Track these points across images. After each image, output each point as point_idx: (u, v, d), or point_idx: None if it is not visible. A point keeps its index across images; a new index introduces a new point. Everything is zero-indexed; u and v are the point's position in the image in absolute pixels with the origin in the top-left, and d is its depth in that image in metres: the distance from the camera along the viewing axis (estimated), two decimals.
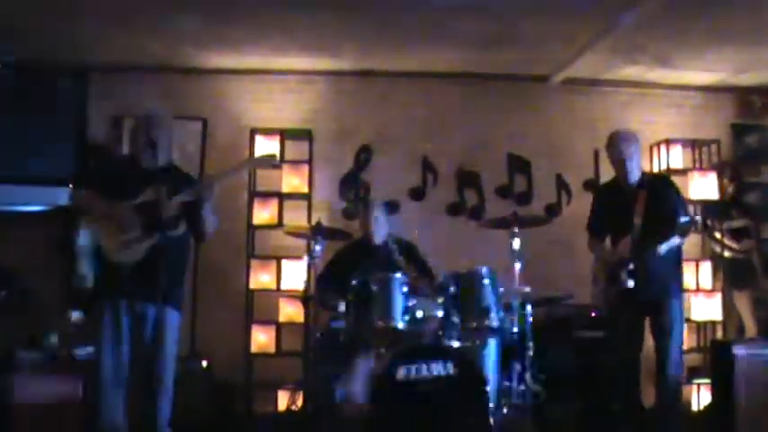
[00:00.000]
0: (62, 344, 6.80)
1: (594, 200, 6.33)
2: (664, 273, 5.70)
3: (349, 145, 8.33)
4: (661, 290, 5.71)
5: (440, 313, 5.65)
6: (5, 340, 6.84)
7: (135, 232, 4.79)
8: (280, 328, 7.82)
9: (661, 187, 5.90)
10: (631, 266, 5.59)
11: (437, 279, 6.12)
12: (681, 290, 5.98)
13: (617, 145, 5.87)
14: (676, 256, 5.85)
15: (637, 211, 5.66)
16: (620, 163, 5.85)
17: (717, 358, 6.50)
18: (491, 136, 8.44)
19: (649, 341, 5.91)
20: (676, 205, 5.75)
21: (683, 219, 5.46)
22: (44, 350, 6.73)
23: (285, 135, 8.11)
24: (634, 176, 5.83)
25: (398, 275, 5.70)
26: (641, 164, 5.97)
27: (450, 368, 5.21)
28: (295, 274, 7.70)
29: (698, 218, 6.27)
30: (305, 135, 8.17)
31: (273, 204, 8.01)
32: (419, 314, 5.64)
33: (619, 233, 5.83)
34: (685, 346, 7.61)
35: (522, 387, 5.84)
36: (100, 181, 5.03)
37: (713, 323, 8.12)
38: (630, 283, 5.59)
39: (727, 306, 7.97)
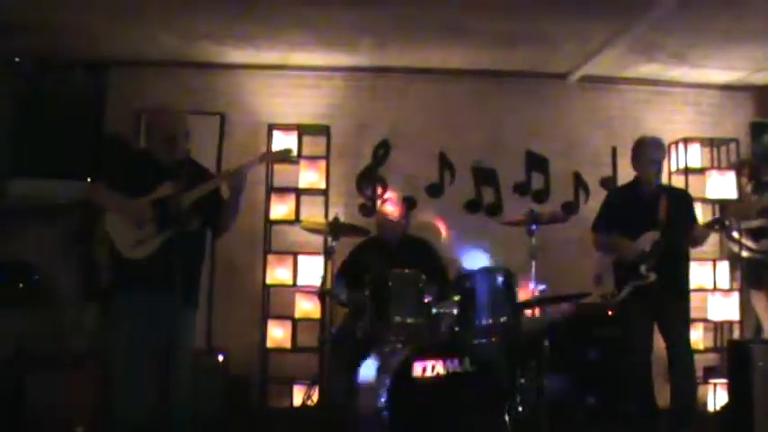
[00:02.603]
0: (79, 336, 6.83)
1: (608, 200, 6.44)
2: (676, 274, 5.85)
3: (366, 141, 8.34)
4: (673, 291, 5.84)
5: (456, 310, 5.65)
6: (22, 333, 6.88)
7: (149, 229, 4.82)
8: (296, 323, 7.83)
9: (683, 199, 6.26)
10: (652, 261, 5.71)
11: (449, 283, 6.10)
12: (689, 290, 6.13)
13: (655, 150, 6.14)
14: (686, 258, 6.00)
15: (661, 211, 5.79)
16: (651, 168, 6.05)
17: (734, 358, 6.46)
18: (508, 133, 8.43)
19: (659, 342, 5.96)
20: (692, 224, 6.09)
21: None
22: (61, 343, 6.76)
23: (302, 130, 8.12)
24: (659, 182, 6.09)
25: (415, 272, 5.68)
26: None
27: (467, 365, 5.21)
28: (312, 270, 7.72)
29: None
30: (322, 130, 8.17)
31: (290, 200, 8.01)
32: (435, 311, 5.65)
33: (635, 234, 5.92)
34: (702, 346, 7.65)
35: (538, 385, 5.83)
36: (117, 176, 5.05)
37: (730, 323, 8.09)
38: (653, 276, 5.70)
39: (745, 306, 7.92)
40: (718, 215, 6.01)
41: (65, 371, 6.47)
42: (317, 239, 7.52)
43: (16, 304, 7.13)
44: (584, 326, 7.19)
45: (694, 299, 6.64)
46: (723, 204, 7.02)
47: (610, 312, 7.08)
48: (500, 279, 5.65)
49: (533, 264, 5.95)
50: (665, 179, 7.10)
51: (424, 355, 5.20)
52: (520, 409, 5.72)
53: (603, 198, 6.69)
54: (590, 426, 5.86)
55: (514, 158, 8.39)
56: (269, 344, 7.80)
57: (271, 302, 7.88)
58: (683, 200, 6.24)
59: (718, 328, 8.14)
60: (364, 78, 8.46)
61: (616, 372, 6.92)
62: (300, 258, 7.90)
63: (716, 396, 7.72)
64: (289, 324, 7.84)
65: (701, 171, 8.22)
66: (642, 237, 5.90)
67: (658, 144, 6.19)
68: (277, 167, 7.93)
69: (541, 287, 5.97)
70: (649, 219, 5.90)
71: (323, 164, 8.10)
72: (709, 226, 6.06)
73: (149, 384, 4.92)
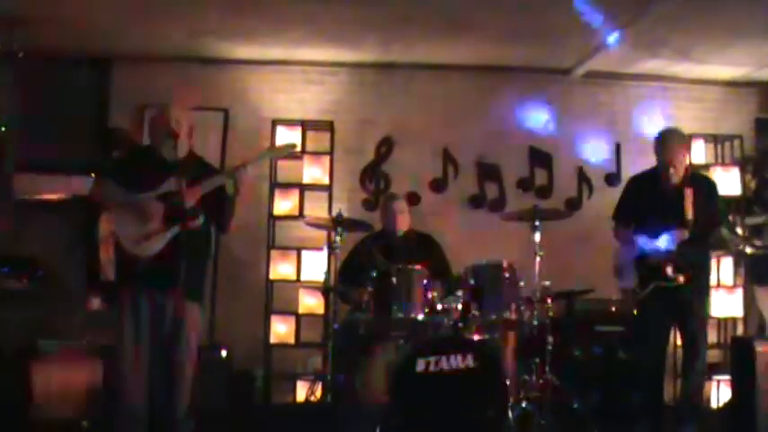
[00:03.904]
0: (83, 332, 6.84)
1: (629, 189, 6.32)
2: (699, 272, 5.78)
3: (370, 136, 8.34)
4: (696, 289, 5.78)
5: (459, 306, 5.65)
6: (27, 328, 6.90)
7: (155, 224, 4.82)
8: (299, 318, 7.83)
9: (707, 192, 6.01)
10: (681, 263, 5.66)
11: (453, 279, 6.10)
12: (710, 288, 6.07)
13: (666, 146, 5.96)
14: (708, 256, 5.94)
15: (686, 208, 5.70)
16: (671, 162, 5.90)
17: (737, 355, 6.48)
18: (512, 129, 8.42)
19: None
20: (718, 218, 5.91)
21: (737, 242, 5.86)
22: (65, 338, 6.77)
23: (306, 126, 8.12)
24: (680, 174, 5.91)
25: (419, 267, 5.69)
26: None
27: (470, 361, 5.21)
28: (315, 265, 7.71)
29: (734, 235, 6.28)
30: (326, 126, 8.17)
31: (294, 195, 8.02)
32: (439, 306, 5.65)
33: (658, 228, 5.83)
34: None
35: (541, 381, 5.83)
36: (121, 172, 5.07)
37: (734, 319, 8.08)
38: (681, 279, 5.65)
39: (749, 302, 7.92)
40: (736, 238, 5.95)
41: (69, 365, 6.49)
42: (321, 235, 7.52)
43: (21, 298, 7.15)
44: (587, 321, 7.19)
45: None
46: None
47: (612, 308, 7.10)
48: (503, 275, 5.65)
49: (536, 259, 5.96)
50: None
51: (427, 351, 5.22)
52: (523, 404, 5.73)
53: (607, 193, 6.68)
54: (593, 421, 5.85)
55: (518, 154, 8.39)
56: (272, 339, 7.80)
57: (274, 298, 7.88)
58: (709, 192, 6.03)
59: (722, 324, 8.14)
60: (368, 74, 8.46)
61: (620, 367, 6.94)
62: (304, 254, 7.91)
63: (719, 392, 7.72)
64: (292, 319, 7.84)
65: (705, 167, 8.20)
66: (668, 234, 5.83)
67: (670, 140, 5.98)
68: (281, 163, 7.93)
69: (545, 283, 5.98)
70: (674, 214, 5.77)
71: (327, 159, 8.10)
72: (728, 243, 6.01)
73: (154, 379, 4.94)
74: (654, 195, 6.00)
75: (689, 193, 5.76)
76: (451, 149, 8.32)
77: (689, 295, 5.77)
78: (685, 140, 6.11)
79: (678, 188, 5.84)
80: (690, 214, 5.73)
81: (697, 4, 6.48)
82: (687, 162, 6.07)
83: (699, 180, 6.12)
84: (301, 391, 7.54)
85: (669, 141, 5.95)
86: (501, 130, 8.39)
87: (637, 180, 6.36)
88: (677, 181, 5.90)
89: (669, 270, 5.72)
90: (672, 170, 5.87)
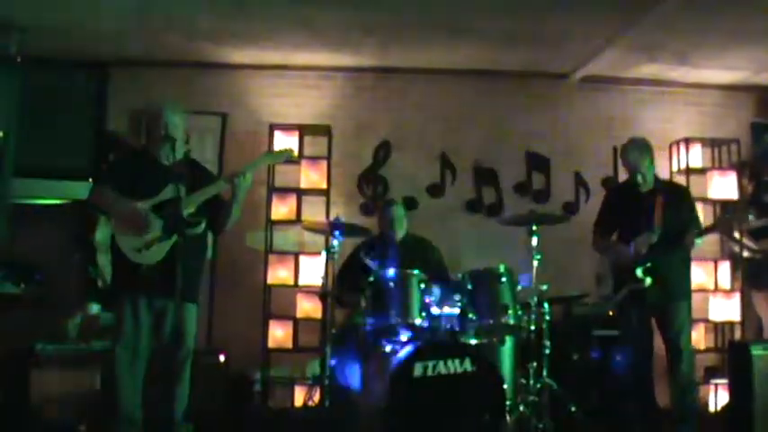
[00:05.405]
0: (80, 337, 6.84)
1: (606, 199, 6.51)
2: (674, 276, 5.86)
3: (368, 141, 8.34)
4: (671, 293, 5.86)
5: (457, 310, 5.66)
6: (24, 333, 6.89)
7: (156, 232, 4.83)
8: (297, 323, 7.83)
9: (679, 198, 6.19)
10: (648, 265, 5.72)
11: (450, 284, 6.10)
12: (689, 291, 6.10)
13: (627, 155, 6.15)
14: (686, 259, 6.01)
15: (656, 215, 5.80)
16: (631, 173, 6.12)
17: (735, 359, 6.47)
18: (509, 133, 8.43)
19: (659, 342, 5.99)
20: (690, 221, 6.07)
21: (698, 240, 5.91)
22: (63, 343, 6.77)
23: (304, 131, 8.11)
24: (647, 184, 6.09)
25: (416, 272, 5.69)
26: (655, 169, 6.21)
27: (468, 365, 5.22)
28: (313, 270, 7.70)
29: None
30: (324, 131, 8.16)
31: (292, 200, 8.01)
32: (437, 311, 5.66)
33: (631, 234, 5.94)
34: (703, 347, 7.66)
35: (539, 385, 5.84)
36: (119, 177, 5.06)
37: (731, 324, 8.08)
38: (648, 280, 5.71)
39: (746, 306, 7.92)
40: (706, 227, 6.05)
41: (67, 370, 6.48)
42: (319, 239, 7.52)
43: (19, 303, 7.15)
44: (584, 325, 7.20)
45: (696, 299, 6.60)
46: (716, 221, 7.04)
47: (610, 312, 7.10)
48: (501, 279, 5.65)
49: (534, 264, 5.97)
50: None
51: (425, 356, 5.22)
52: (521, 408, 5.74)
53: (603, 196, 6.72)
54: (590, 425, 5.86)
55: (515, 158, 8.39)
56: (270, 344, 7.79)
57: (272, 302, 7.86)
58: (679, 198, 6.20)
59: (719, 328, 8.14)
60: (366, 79, 8.46)
61: (616, 372, 6.95)
62: (302, 258, 7.90)
63: (717, 396, 7.72)
64: (290, 324, 7.84)
65: (703, 171, 8.23)
66: (639, 239, 5.91)
67: (625, 150, 6.17)
68: (278, 168, 7.92)
69: (542, 287, 5.99)
70: (645, 220, 5.92)
71: (324, 164, 8.09)
72: (700, 234, 6.05)
73: (151, 383, 4.95)
74: (629, 203, 6.16)
75: (659, 200, 5.89)
76: (449, 154, 8.33)
77: (663, 298, 5.85)
78: (648, 149, 6.16)
79: (650, 195, 6.03)
80: (658, 219, 5.84)
81: (694, 8, 6.49)
82: (653, 170, 6.15)
83: (670, 187, 6.36)
84: (299, 396, 7.53)
85: (628, 152, 6.14)
86: (498, 134, 8.41)
87: (614, 190, 6.54)
88: (649, 188, 6.08)
89: (639, 272, 5.79)
90: (639, 178, 5.99)
